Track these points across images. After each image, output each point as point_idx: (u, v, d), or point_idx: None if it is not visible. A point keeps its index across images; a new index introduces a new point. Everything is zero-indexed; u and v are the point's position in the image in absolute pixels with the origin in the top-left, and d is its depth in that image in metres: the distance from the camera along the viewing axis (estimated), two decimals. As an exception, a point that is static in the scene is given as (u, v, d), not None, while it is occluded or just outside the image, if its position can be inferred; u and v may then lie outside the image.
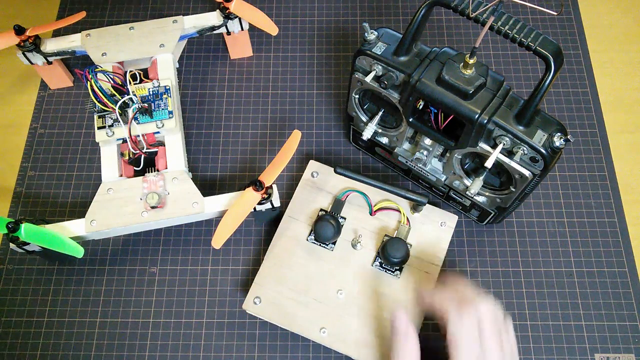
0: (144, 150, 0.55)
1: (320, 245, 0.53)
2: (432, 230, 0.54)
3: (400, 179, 0.61)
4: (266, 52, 0.69)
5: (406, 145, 0.55)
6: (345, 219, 0.54)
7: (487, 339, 0.40)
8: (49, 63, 0.62)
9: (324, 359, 0.53)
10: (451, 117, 0.46)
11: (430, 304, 0.44)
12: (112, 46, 0.60)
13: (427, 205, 0.54)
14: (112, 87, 0.54)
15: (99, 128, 0.55)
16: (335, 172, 0.53)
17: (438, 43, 0.69)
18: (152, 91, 0.57)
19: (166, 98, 0.57)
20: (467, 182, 0.52)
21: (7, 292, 0.56)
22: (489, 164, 0.45)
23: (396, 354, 0.42)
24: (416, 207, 0.54)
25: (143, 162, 0.56)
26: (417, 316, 0.50)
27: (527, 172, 0.46)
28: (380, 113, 0.54)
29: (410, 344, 0.42)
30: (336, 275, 0.52)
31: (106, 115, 0.55)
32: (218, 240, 0.51)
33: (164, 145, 0.56)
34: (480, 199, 0.53)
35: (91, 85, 0.53)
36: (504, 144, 0.45)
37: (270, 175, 0.52)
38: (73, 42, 0.61)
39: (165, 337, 0.54)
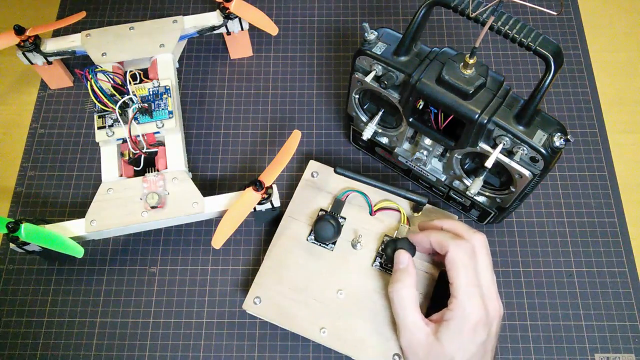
0: (144, 150, 0.55)
1: (320, 245, 0.53)
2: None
3: (400, 179, 0.61)
4: (266, 52, 0.69)
5: (406, 145, 0.55)
6: (345, 219, 0.54)
7: (480, 262, 0.46)
8: (49, 63, 0.62)
9: (324, 359, 0.53)
10: (451, 117, 0.46)
11: (428, 242, 0.48)
12: (112, 46, 0.60)
13: (427, 205, 0.53)
14: (112, 87, 0.54)
15: (99, 128, 0.55)
16: (335, 172, 0.53)
17: (438, 43, 0.69)
18: (152, 91, 0.57)
19: (166, 98, 0.57)
20: (467, 182, 0.52)
21: (7, 292, 0.56)
22: (489, 164, 0.45)
23: (394, 286, 0.47)
24: (416, 207, 0.54)
25: (143, 162, 0.56)
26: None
27: (527, 172, 0.46)
28: (380, 113, 0.54)
29: (410, 275, 0.47)
30: (336, 275, 0.52)
31: (106, 115, 0.55)
32: (218, 240, 0.51)
33: (164, 145, 0.56)
34: (480, 199, 0.53)
35: (91, 85, 0.53)
36: (504, 144, 0.45)
37: (270, 175, 0.52)
38: (73, 42, 0.61)
39: (165, 337, 0.54)
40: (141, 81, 0.58)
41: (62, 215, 0.60)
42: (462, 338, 0.43)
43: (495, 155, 0.45)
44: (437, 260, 0.51)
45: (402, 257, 0.49)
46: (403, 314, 0.46)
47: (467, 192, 0.51)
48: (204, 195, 0.53)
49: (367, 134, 0.54)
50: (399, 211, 0.54)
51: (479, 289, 0.44)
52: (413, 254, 0.50)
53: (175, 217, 0.52)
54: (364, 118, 0.56)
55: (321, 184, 0.56)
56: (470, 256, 0.45)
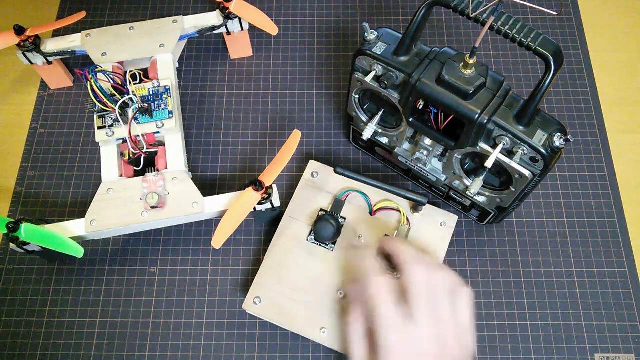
0: (144, 150, 0.55)
1: (320, 245, 0.53)
2: (432, 230, 0.54)
3: (400, 179, 0.61)
4: (266, 52, 0.69)
5: (406, 145, 0.55)
6: (345, 219, 0.54)
7: (438, 297, 0.41)
8: (49, 63, 0.62)
9: (324, 359, 0.53)
10: (451, 117, 0.46)
11: (389, 249, 0.45)
12: (112, 46, 0.60)
13: (427, 205, 0.54)
14: (112, 87, 0.54)
15: (99, 128, 0.55)
16: (335, 172, 0.53)
17: (438, 43, 0.69)
18: (152, 91, 0.57)
19: (166, 98, 0.57)
20: (467, 182, 0.52)
21: (7, 292, 0.56)
22: (489, 164, 0.45)
23: (346, 317, 0.43)
24: (416, 207, 0.54)
25: (143, 162, 0.56)
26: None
27: (527, 172, 0.46)
28: (380, 113, 0.54)
29: (356, 307, 0.43)
30: (336, 275, 0.52)
31: (106, 115, 0.55)
32: (218, 240, 0.51)
33: (164, 145, 0.56)
34: (480, 199, 0.53)
35: (91, 85, 0.53)
36: (504, 144, 0.45)
37: (270, 175, 0.52)
38: (73, 42, 0.61)
39: (165, 337, 0.54)
40: (141, 81, 0.58)
41: (62, 215, 0.60)
42: None
43: (495, 155, 0.45)
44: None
45: (347, 292, 0.46)
46: (351, 355, 0.42)
47: (467, 192, 0.51)
48: (204, 195, 0.53)
49: (367, 134, 0.54)
50: (399, 211, 0.54)
51: (404, 324, 0.40)
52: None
53: (175, 217, 0.52)
54: (364, 118, 0.56)
55: (321, 184, 0.56)
56: (428, 284, 0.41)
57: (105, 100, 0.53)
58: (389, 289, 0.41)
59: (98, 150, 0.60)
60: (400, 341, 0.39)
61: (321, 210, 0.55)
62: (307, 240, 0.54)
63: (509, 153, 0.46)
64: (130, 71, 0.57)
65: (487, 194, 0.52)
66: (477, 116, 0.44)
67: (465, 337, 0.41)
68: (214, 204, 0.53)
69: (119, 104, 0.54)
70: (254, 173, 0.62)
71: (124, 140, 0.55)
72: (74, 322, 0.55)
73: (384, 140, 0.56)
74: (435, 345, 0.40)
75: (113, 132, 0.55)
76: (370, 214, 0.55)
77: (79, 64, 0.68)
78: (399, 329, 0.40)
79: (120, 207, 0.52)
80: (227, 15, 0.61)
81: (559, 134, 0.43)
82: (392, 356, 0.39)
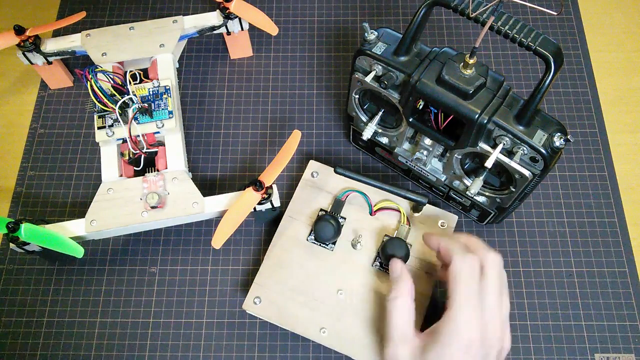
0: (144, 150, 0.55)
1: (320, 245, 0.53)
2: (432, 230, 0.54)
3: (400, 179, 0.61)
4: (266, 52, 0.69)
5: (406, 145, 0.55)
6: (345, 219, 0.54)
7: (489, 282, 0.42)
8: (49, 63, 0.62)
9: (324, 359, 0.53)
10: (451, 117, 0.46)
11: (436, 247, 0.46)
12: (112, 46, 0.60)
13: (427, 205, 0.54)
14: (112, 87, 0.54)
15: (99, 128, 0.55)
16: (335, 172, 0.53)
17: (438, 43, 0.69)
18: (152, 91, 0.57)
19: (166, 98, 0.57)
20: (467, 182, 0.52)
21: (7, 292, 0.56)
22: (489, 164, 0.45)
23: (389, 295, 0.45)
24: (416, 207, 0.54)
25: (143, 162, 0.56)
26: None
27: (527, 172, 0.46)
28: (380, 113, 0.54)
29: (404, 283, 0.46)
30: (336, 275, 0.52)
31: (106, 115, 0.55)
32: (218, 240, 0.51)
33: (164, 145, 0.56)
34: (480, 199, 0.53)
35: (91, 85, 0.53)
36: (504, 144, 0.45)
37: (270, 175, 0.52)
38: (73, 42, 0.61)
39: (165, 337, 0.54)
40: (141, 81, 0.58)
41: (62, 215, 0.60)
42: (449, 356, 0.40)
43: (495, 155, 0.45)
44: (442, 274, 0.48)
45: (394, 266, 0.47)
46: (392, 324, 0.44)
47: (467, 192, 0.51)
48: (204, 195, 0.53)
49: (367, 134, 0.54)
50: (399, 211, 0.54)
51: (479, 308, 0.41)
52: (407, 258, 0.49)
53: (175, 217, 0.52)
54: (364, 118, 0.56)
55: (321, 184, 0.56)
56: (475, 271, 0.42)
57: (105, 100, 0.53)
58: (478, 269, 0.43)
59: (98, 150, 0.60)
60: (472, 319, 0.41)
61: (321, 210, 0.55)
62: (307, 240, 0.54)
63: (509, 153, 0.46)
64: (130, 71, 0.57)
65: (487, 194, 0.52)
66: (477, 116, 0.44)
67: (506, 331, 0.43)
68: (214, 204, 0.53)
69: (119, 104, 0.54)
70: (254, 173, 0.62)
71: (124, 140, 0.55)
72: (74, 322, 0.55)
73: (384, 140, 0.56)
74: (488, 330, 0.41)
75: (113, 132, 0.55)
76: (370, 214, 0.55)
77: (79, 64, 0.68)
78: (474, 308, 0.41)
79: (120, 207, 0.52)
80: (227, 15, 0.61)
81: (559, 134, 0.43)
82: (460, 333, 0.40)
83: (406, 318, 0.44)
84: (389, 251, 0.50)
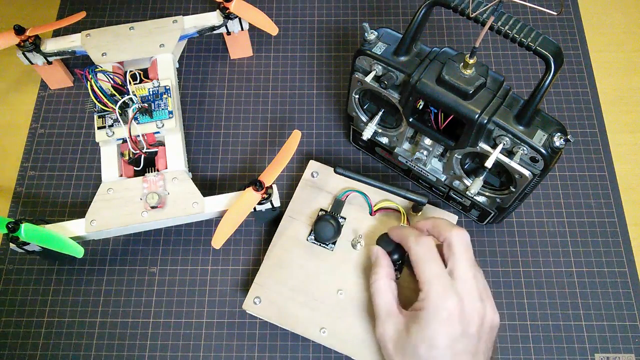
0: (144, 150, 0.55)
1: (320, 245, 0.53)
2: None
3: (400, 179, 0.61)
4: (266, 52, 0.69)
5: (406, 145, 0.55)
6: (345, 219, 0.54)
7: (456, 258, 0.43)
8: (49, 63, 0.62)
9: (324, 359, 0.53)
10: (451, 117, 0.46)
11: (397, 239, 0.48)
12: (112, 46, 0.60)
13: (427, 205, 0.53)
14: (112, 87, 0.54)
15: (99, 128, 0.55)
16: (335, 172, 0.53)
17: (438, 43, 0.69)
18: (152, 91, 0.57)
19: (166, 98, 0.57)
20: (467, 182, 0.52)
21: (7, 292, 0.56)
22: (489, 164, 0.45)
23: (370, 279, 0.48)
24: (416, 207, 0.54)
25: (143, 162, 0.56)
26: None
27: (527, 172, 0.46)
28: (380, 113, 0.54)
29: (381, 266, 0.48)
30: (336, 275, 0.52)
31: (106, 115, 0.55)
32: (218, 240, 0.51)
33: (164, 145, 0.56)
34: (480, 199, 0.53)
35: (91, 85, 0.53)
36: (504, 144, 0.45)
37: (270, 175, 0.52)
38: (73, 42, 0.61)
39: (165, 337, 0.54)
40: (141, 81, 0.58)
41: (62, 215, 0.60)
42: (429, 330, 0.41)
43: (495, 156, 0.45)
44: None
45: (372, 250, 0.49)
46: (377, 304, 0.46)
47: (467, 192, 0.51)
48: (204, 195, 0.53)
49: (367, 134, 0.54)
50: (399, 211, 0.54)
51: (449, 282, 0.42)
52: (391, 249, 0.49)
53: (175, 217, 0.52)
54: (364, 118, 0.56)
55: (321, 184, 0.56)
56: (432, 250, 0.44)
57: (105, 100, 0.53)
58: (434, 248, 0.45)
59: (98, 150, 0.60)
60: (444, 292, 0.42)
61: (321, 210, 0.55)
62: (307, 240, 0.54)
63: (509, 153, 0.46)
64: (130, 71, 0.57)
65: (487, 194, 0.52)
66: (477, 116, 0.44)
67: (487, 304, 0.43)
68: (214, 204, 0.53)
69: (119, 104, 0.54)
70: (254, 173, 0.62)
71: (124, 140, 0.55)
72: (74, 322, 0.55)
73: (384, 140, 0.56)
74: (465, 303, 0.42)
75: (113, 132, 0.55)
76: (370, 214, 0.55)
77: (79, 64, 0.68)
78: (443, 282, 0.42)
79: (120, 207, 0.52)
80: (227, 15, 0.61)
81: (559, 134, 0.43)
82: (437, 307, 0.42)
83: (388, 297, 0.46)
84: (376, 241, 0.50)
